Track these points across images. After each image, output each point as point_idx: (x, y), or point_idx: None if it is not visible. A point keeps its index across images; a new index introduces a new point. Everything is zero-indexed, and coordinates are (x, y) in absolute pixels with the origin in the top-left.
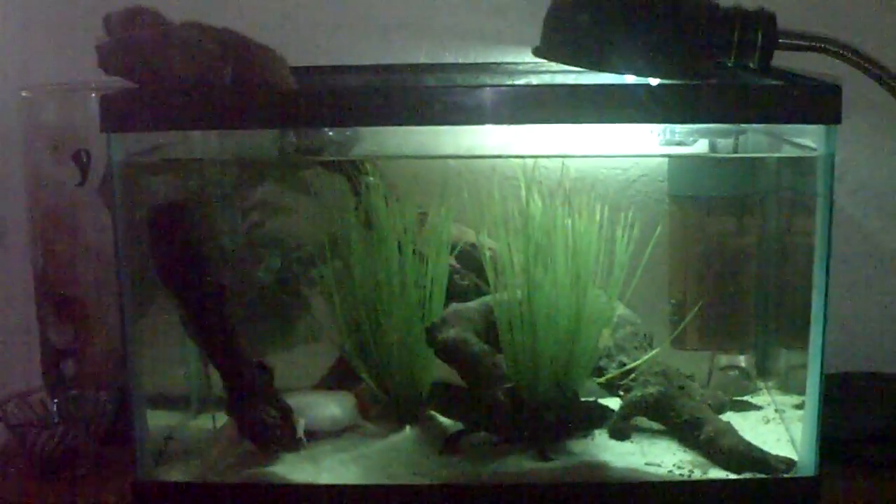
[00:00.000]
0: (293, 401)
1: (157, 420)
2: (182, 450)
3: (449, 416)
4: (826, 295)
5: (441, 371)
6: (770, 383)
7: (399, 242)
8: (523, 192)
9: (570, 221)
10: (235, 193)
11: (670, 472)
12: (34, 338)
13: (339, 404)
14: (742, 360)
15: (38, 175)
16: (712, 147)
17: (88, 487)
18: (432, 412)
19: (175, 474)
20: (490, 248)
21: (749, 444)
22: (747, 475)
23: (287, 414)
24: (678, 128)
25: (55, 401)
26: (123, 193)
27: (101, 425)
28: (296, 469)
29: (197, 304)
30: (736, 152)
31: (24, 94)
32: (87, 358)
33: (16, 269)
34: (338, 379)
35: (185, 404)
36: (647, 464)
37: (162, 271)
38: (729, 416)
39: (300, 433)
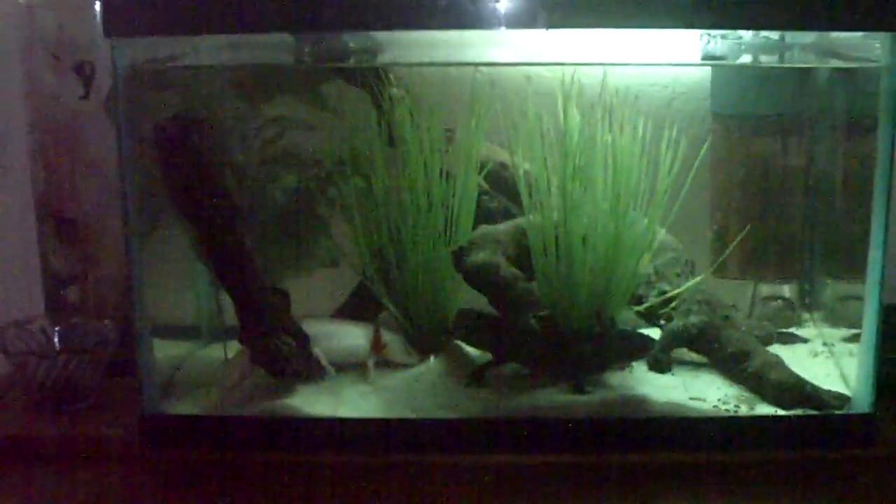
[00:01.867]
0: (311, 329)
1: (166, 350)
2: (192, 381)
3: (476, 346)
4: (886, 221)
5: (469, 297)
6: (816, 315)
7: (425, 160)
8: (560, 106)
9: (610, 137)
10: (249, 107)
11: (715, 407)
12: (35, 264)
13: (360, 335)
14: (786, 290)
15: (39, 88)
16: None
17: (91, 421)
18: (458, 341)
19: (184, 407)
20: (524, 167)
21: (800, 378)
22: (798, 411)
23: (303, 342)
24: (721, 41)
25: (56, 329)
26: (128, 106)
27: (104, 355)
28: (313, 401)
29: (208, 226)
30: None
31: (22, 1)
32: (91, 284)
33: (16, 190)
34: (358, 307)
35: (195, 333)
36: (689, 398)
37: (171, 190)
38: (773, 349)
39: (324, 361)
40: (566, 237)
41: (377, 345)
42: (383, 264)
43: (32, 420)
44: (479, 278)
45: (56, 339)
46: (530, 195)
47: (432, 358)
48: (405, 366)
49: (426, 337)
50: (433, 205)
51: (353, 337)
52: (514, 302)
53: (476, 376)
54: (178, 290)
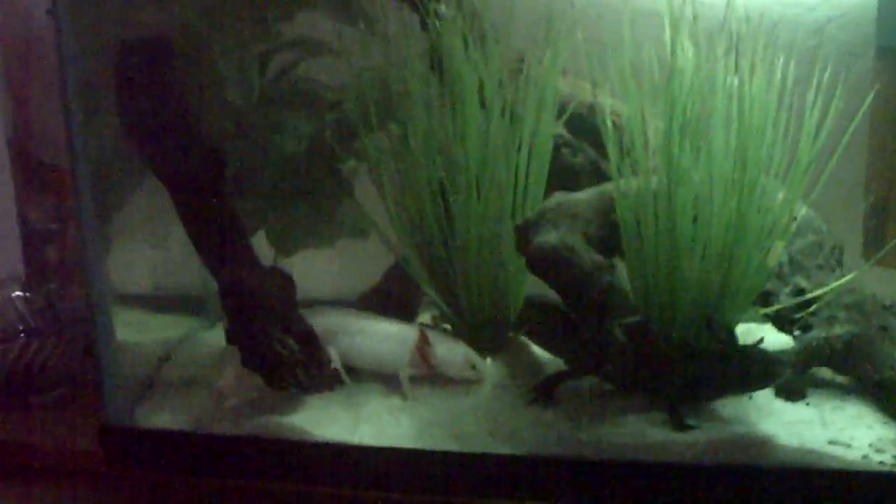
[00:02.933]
0: (326, 321)
1: (158, 330)
2: (180, 378)
3: (547, 349)
4: None
5: (537, 288)
6: None
7: (483, 100)
8: (668, 35)
9: (735, 80)
10: (258, 26)
11: (864, 457)
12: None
13: (395, 335)
14: None
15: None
16: None
17: (56, 421)
18: (523, 339)
19: (161, 417)
20: (615, 113)
21: None
22: None
23: (311, 343)
24: None
25: (25, 296)
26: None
27: (80, 334)
28: (325, 417)
29: (185, 185)
30: None
31: None
32: (71, 242)
33: None
34: (392, 293)
35: (199, 307)
36: (830, 442)
37: (135, 136)
38: None
39: (336, 363)
40: (669, 213)
41: (423, 355)
42: (425, 239)
43: None
44: (548, 267)
45: (26, 313)
46: (622, 152)
47: (487, 360)
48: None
49: (479, 333)
50: (493, 160)
51: (384, 337)
52: (595, 301)
53: (543, 391)
54: (181, 250)
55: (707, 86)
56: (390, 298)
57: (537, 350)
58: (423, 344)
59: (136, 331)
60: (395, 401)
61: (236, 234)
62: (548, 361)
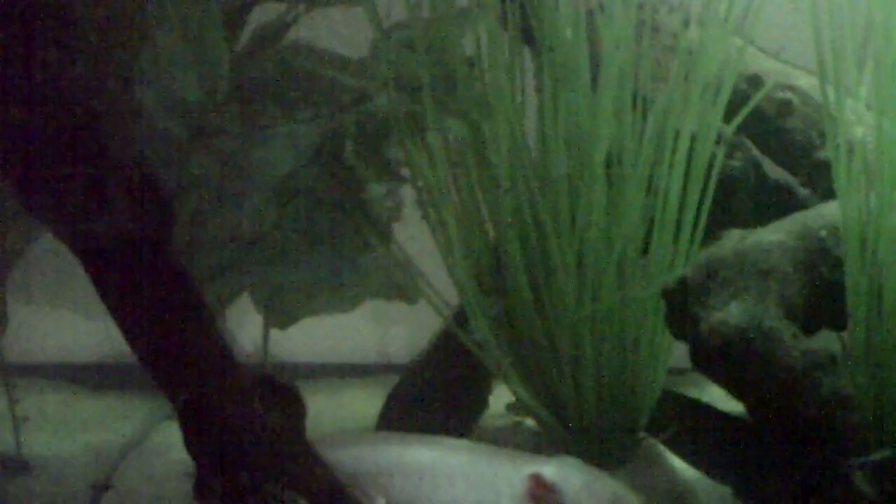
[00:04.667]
0: (366, 458)
1: (97, 427)
2: None
3: (697, 466)
4: None
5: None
6: None
7: (592, 76)
8: None
9: None
10: None
11: None
12: None
13: (489, 475)
14: None
15: None
16: None
17: None
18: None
19: None
20: (791, 89)
21: None
22: None
23: (335, 499)
24: None
25: None
26: None
27: None
28: None
29: (100, 251)
30: None
31: None
32: None
33: None
34: (437, 383)
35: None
36: None
37: (6, 162)
38: None
39: None
40: None
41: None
42: (508, 302)
43: None
44: (730, 363)
45: None
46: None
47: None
48: None
49: (589, 441)
50: (617, 179)
51: (470, 478)
52: (812, 424)
53: None
54: None
55: None
56: (441, 385)
57: (678, 464)
58: (540, 489)
59: (51, 432)
60: None
61: (197, 323)
62: (695, 480)
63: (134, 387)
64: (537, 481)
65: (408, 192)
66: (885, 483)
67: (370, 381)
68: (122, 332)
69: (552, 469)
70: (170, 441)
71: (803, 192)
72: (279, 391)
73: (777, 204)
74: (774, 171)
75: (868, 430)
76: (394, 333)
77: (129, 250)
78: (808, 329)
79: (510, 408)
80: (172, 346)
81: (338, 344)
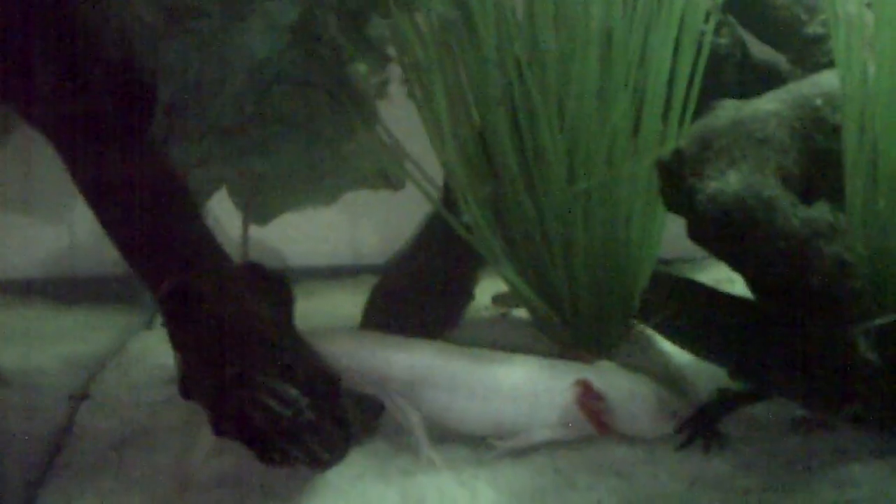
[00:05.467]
0: (358, 353)
1: (72, 338)
2: (106, 435)
3: (691, 350)
4: None
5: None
6: None
7: None
8: None
9: None
10: None
11: None
12: None
13: (532, 388)
14: None
15: None
16: None
17: None
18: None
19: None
20: None
21: None
22: None
23: (329, 392)
24: None
25: None
26: None
27: None
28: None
29: (80, 133)
30: None
31: None
32: None
33: None
34: (425, 271)
35: (127, 292)
36: None
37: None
38: None
39: (419, 435)
40: None
41: (590, 411)
42: (498, 185)
43: None
44: (729, 234)
45: None
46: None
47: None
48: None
49: (582, 326)
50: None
51: (513, 392)
52: (815, 293)
53: (703, 424)
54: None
55: None
56: (427, 277)
57: (670, 348)
58: (588, 398)
59: (25, 346)
60: (469, 466)
61: (179, 209)
62: (689, 365)
63: (109, 300)
64: (586, 389)
65: (394, 71)
66: (889, 348)
67: (347, 282)
68: (100, 222)
69: (596, 376)
70: (148, 349)
71: (787, 67)
72: (266, 279)
73: (760, 81)
74: (760, 50)
75: (867, 298)
76: (366, 233)
77: (107, 134)
78: (805, 198)
79: (496, 299)
80: (154, 234)
81: (315, 247)
